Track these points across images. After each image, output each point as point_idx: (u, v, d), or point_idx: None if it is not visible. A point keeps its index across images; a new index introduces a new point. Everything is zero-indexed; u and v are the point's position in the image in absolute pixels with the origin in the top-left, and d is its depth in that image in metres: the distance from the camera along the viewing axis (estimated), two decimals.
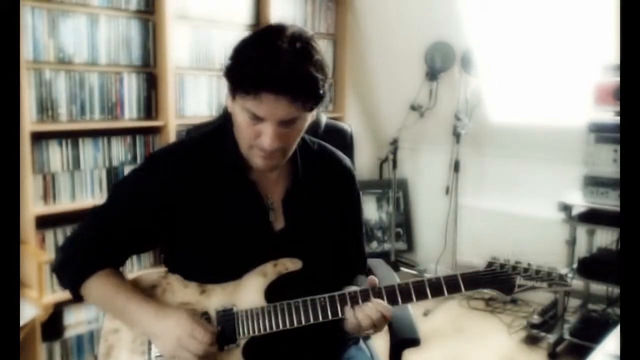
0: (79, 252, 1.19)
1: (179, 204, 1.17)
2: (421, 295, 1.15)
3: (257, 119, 1.06)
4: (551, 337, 2.74)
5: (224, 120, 1.22)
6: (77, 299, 1.20)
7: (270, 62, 1.00)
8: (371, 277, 1.19)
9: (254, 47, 1.05)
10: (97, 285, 1.16)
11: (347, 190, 1.33)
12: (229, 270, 1.17)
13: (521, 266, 1.17)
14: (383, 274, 1.55)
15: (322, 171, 1.28)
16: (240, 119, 1.09)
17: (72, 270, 1.19)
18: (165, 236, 1.21)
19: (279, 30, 1.05)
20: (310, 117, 1.14)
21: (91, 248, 1.18)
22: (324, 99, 1.09)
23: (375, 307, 1.13)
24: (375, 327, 1.14)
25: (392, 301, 1.14)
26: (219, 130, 1.24)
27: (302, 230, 1.23)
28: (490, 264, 1.18)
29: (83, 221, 1.22)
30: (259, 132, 1.08)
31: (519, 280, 1.16)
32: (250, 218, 1.20)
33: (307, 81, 1.03)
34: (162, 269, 1.24)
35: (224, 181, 1.19)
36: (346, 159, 1.35)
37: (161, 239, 1.23)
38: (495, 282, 1.17)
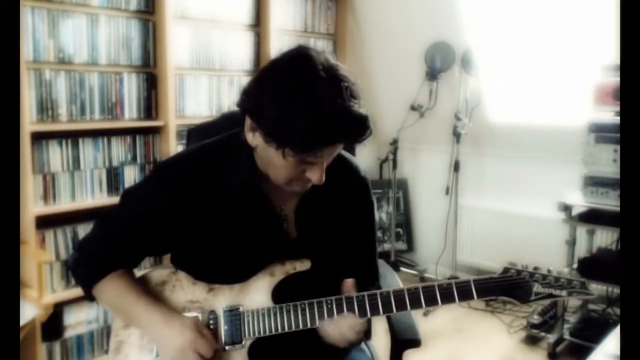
0: (92, 254, 1.20)
1: (190, 215, 1.16)
2: (431, 302, 1.11)
3: (307, 163, 1.06)
4: (551, 337, 2.74)
5: (238, 129, 1.17)
6: (91, 299, 1.21)
7: (325, 121, 0.97)
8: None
9: (300, 105, 0.97)
10: (107, 288, 1.18)
11: (361, 200, 1.31)
12: (241, 277, 1.17)
13: (539, 273, 1.10)
14: (383, 274, 1.55)
15: (337, 179, 1.25)
16: (282, 163, 1.05)
17: (85, 272, 1.20)
18: (177, 243, 1.21)
19: (310, 69, 0.99)
20: None
21: (103, 252, 1.19)
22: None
23: (346, 322, 1.11)
24: (348, 340, 1.12)
25: (401, 307, 1.12)
26: (231, 140, 1.21)
27: (315, 240, 1.22)
28: (506, 270, 1.11)
29: (96, 223, 1.23)
30: (305, 170, 1.07)
31: (537, 288, 1.09)
32: (265, 229, 1.19)
33: (361, 124, 1.03)
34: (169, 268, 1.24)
35: (236, 193, 1.17)
36: (361, 167, 1.33)
37: (174, 244, 1.23)
38: (510, 290, 1.10)
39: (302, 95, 0.98)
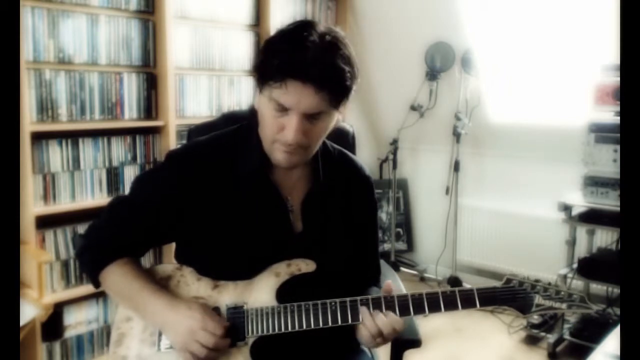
0: (100, 240, 1.21)
1: (197, 202, 1.17)
2: (434, 308, 1.13)
3: (282, 110, 1.07)
4: (551, 337, 2.74)
5: (248, 121, 1.23)
6: (96, 286, 1.22)
7: (298, 51, 1.03)
8: (388, 282, 1.18)
9: (283, 39, 1.07)
10: (113, 274, 1.18)
11: (364, 198, 1.33)
12: (245, 270, 1.17)
13: (541, 285, 1.13)
14: (384, 274, 1.55)
15: (342, 177, 1.28)
16: (266, 111, 1.10)
17: (91, 258, 1.21)
18: (183, 231, 1.21)
19: (309, 25, 1.08)
20: (334, 117, 1.15)
21: (111, 238, 1.20)
22: (349, 93, 1.10)
23: (388, 321, 1.11)
24: (384, 338, 1.13)
25: (404, 312, 1.13)
26: (240, 130, 1.25)
27: (319, 234, 1.23)
28: (508, 281, 1.14)
29: (105, 210, 1.24)
30: (283, 125, 1.09)
31: (538, 300, 1.12)
32: (272, 219, 1.20)
33: (333, 71, 1.05)
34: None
35: (244, 181, 1.19)
36: (365, 168, 1.35)
37: (179, 233, 1.23)
38: (512, 300, 1.13)
39: (289, 34, 1.08)
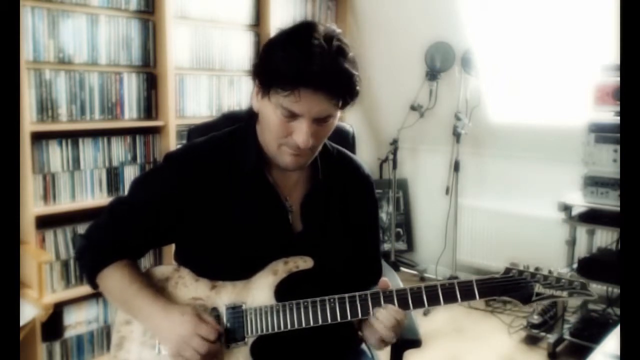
0: (99, 241, 1.21)
1: (196, 203, 1.17)
2: (433, 301, 1.12)
3: (292, 116, 1.07)
4: (551, 337, 2.74)
5: (245, 122, 1.23)
6: (94, 287, 1.21)
7: (309, 58, 1.02)
8: (384, 279, 1.18)
9: (290, 45, 1.05)
10: (111, 276, 1.18)
11: (364, 197, 1.32)
12: (245, 270, 1.17)
13: (541, 273, 1.11)
14: (384, 274, 1.55)
15: (341, 177, 1.28)
16: (272, 117, 1.09)
17: (90, 259, 1.20)
18: (182, 233, 1.21)
19: (311, 28, 1.06)
20: (339, 116, 1.14)
21: (110, 239, 1.20)
22: (358, 96, 1.10)
23: (389, 314, 1.11)
24: (394, 333, 1.12)
25: (403, 306, 1.12)
26: (237, 131, 1.24)
27: (320, 234, 1.23)
28: (507, 270, 1.12)
29: (104, 211, 1.23)
30: (292, 129, 1.08)
31: (538, 289, 1.10)
32: (271, 219, 1.20)
33: (345, 77, 1.05)
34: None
35: (243, 182, 1.19)
36: (365, 167, 1.35)
37: (178, 235, 1.23)
38: (512, 290, 1.11)
39: (294, 39, 1.06)
